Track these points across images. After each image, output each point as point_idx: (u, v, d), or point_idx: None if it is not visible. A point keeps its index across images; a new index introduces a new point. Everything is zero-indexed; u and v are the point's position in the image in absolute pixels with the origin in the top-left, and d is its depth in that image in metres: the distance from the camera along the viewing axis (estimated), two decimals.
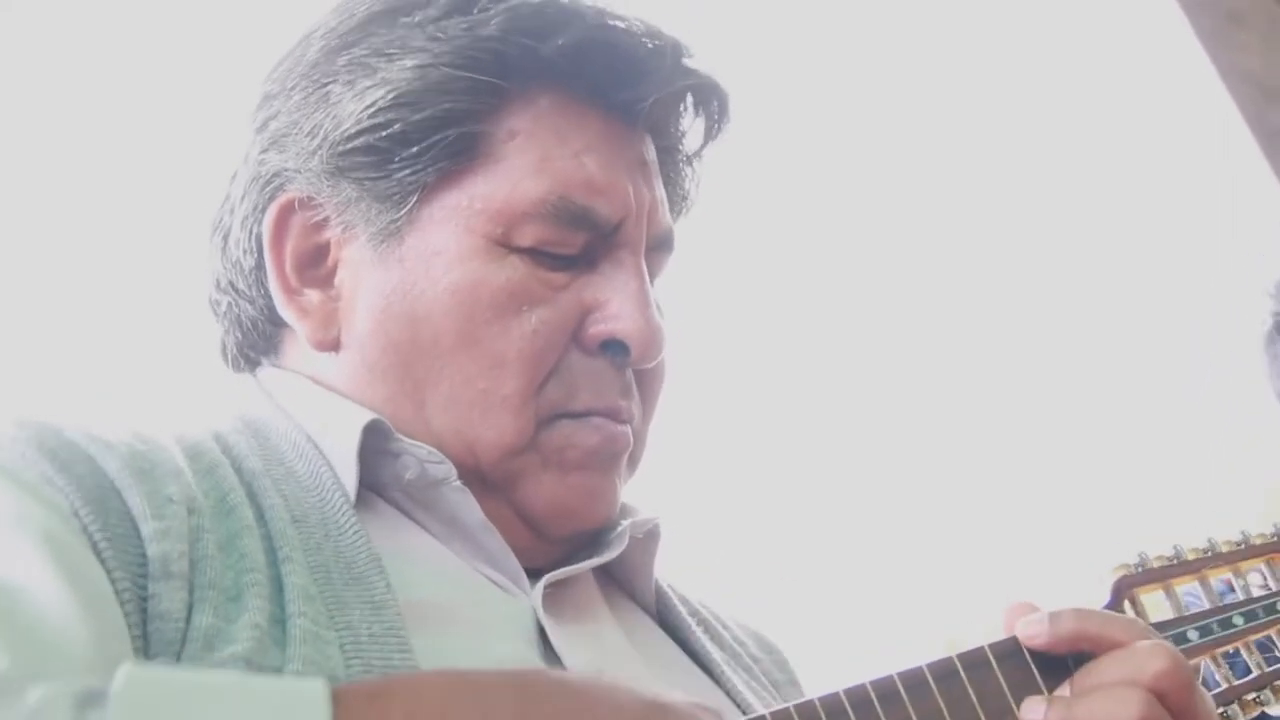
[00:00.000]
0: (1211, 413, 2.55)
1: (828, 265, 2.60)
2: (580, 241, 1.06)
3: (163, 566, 0.86)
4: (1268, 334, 2.08)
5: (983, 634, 1.00)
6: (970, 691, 0.96)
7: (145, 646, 0.83)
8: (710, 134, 1.16)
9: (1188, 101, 2.71)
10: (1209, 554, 1.05)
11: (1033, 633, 0.98)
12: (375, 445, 1.02)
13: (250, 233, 1.11)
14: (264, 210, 1.10)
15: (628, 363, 1.07)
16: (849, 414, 2.59)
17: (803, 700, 0.92)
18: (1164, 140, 2.72)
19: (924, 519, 2.54)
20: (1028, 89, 2.68)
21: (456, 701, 0.64)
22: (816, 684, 1.01)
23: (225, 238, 1.14)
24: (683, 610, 1.16)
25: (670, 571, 1.19)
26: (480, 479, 1.04)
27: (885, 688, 0.93)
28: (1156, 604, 1.03)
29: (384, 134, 1.04)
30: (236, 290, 1.14)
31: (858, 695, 0.92)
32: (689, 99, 1.13)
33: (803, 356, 2.58)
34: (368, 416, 1.02)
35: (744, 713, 1.04)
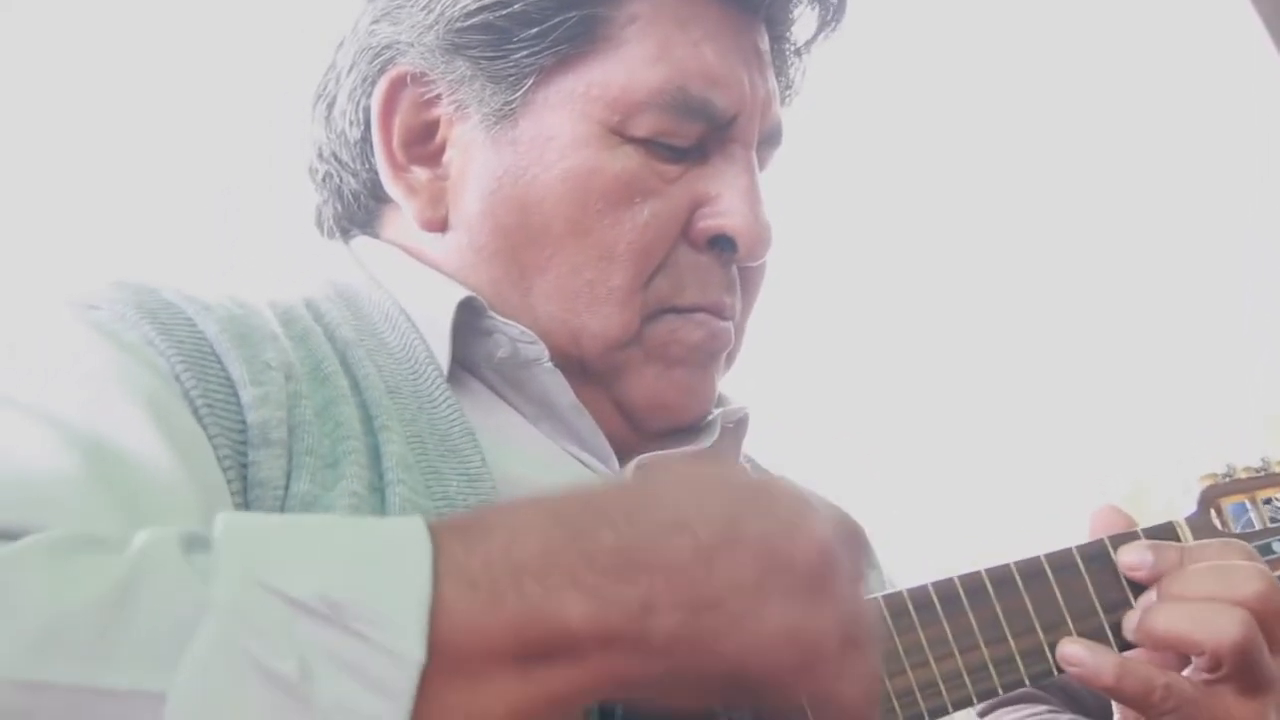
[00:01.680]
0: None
1: (912, 171, 2.59)
2: (695, 133, 1.04)
3: (262, 434, 0.85)
4: None
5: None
6: (1057, 591, 0.98)
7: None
8: (824, 26, 1.14)
9: (1213, 17, 2.70)
10: None
11: (1135, 563, 1.00)
12: (469, 322, 1.02)
13: (358, 105, 1.09)
14: (373, 82, 1.07)
15: (734, 259, 1.07)
16: (931, 313, 2.61)
17: (890, 591, 0.94)
18: (1190, 59, 2.72)
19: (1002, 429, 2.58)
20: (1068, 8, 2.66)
21: (555, 537, 0.64)
22: (906, 576, 1.03)
23: (330, 107, 1.12)
24: None
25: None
26: (582, 368, 1.04)
27: (973, 583, 0.95)
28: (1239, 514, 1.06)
29: (504, 12, 1.02)
30: (340, 161, 1.12)
31: (945, 589, 0.94)
32: None
33: (900, 257, 2.57)
34: (463, 293, 1.01)
35: None
